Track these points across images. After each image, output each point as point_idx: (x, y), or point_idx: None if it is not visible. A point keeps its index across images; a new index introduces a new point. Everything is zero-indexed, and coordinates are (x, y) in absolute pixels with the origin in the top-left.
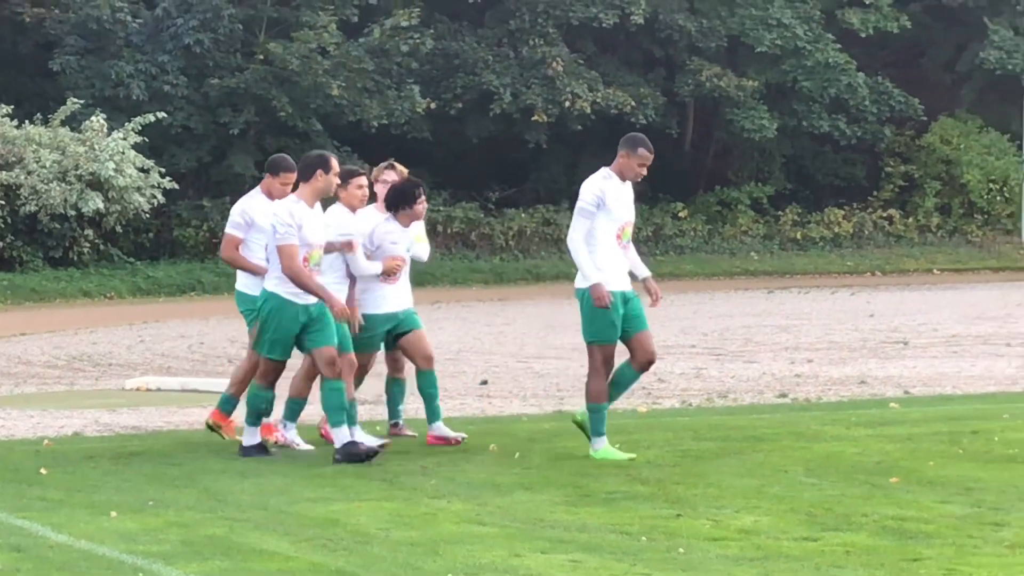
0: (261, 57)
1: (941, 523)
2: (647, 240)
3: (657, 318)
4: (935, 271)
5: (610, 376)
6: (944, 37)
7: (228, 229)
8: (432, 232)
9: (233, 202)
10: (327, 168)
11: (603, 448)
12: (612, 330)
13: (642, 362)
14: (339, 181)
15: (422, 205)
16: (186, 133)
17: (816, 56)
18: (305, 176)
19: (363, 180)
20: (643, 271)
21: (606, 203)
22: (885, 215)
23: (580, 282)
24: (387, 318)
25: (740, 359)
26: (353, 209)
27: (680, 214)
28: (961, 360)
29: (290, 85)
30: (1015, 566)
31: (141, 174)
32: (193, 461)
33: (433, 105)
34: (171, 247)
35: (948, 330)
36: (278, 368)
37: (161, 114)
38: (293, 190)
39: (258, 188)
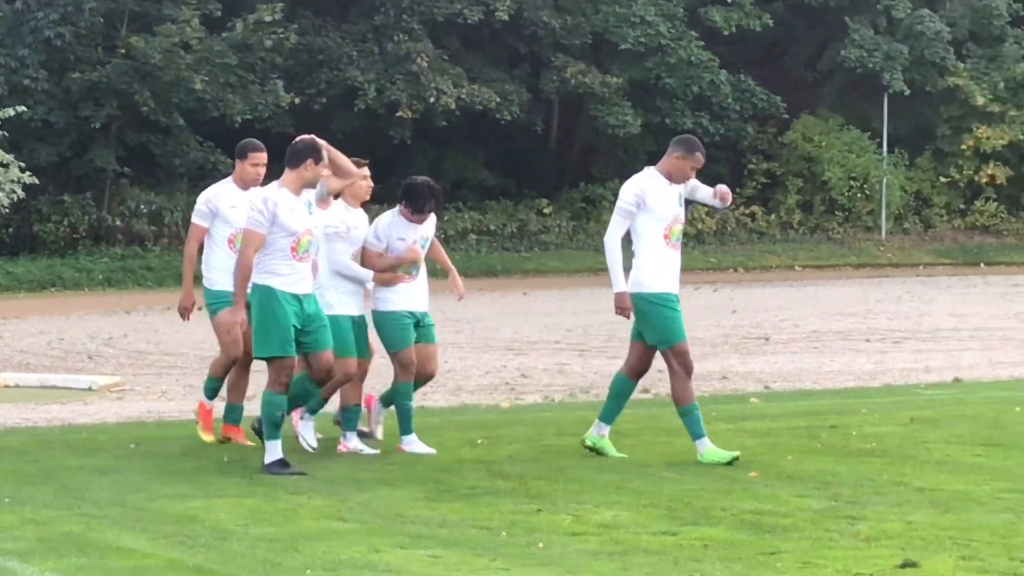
0: (123, 51)
1: (798, 517)
2: (511, 236)
3: (521, 314)
4: (797, 268)
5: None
6: (806, 36)
7: (193, 219)
8: None
9: (95, 198)
10: (318, 158)
11: (708, 449)
12: (678, 327)
13: (639, 371)
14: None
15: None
16: (47, 127)
17: (679, 53)
18: (293, 163)
19: (366, 171)
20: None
21: (647, 203)
22: (748, 212)
23: (635, 286)
24: (409, 315)
25: (603, 355)
26: (357, 202)
27: (545, 210)
28: (821, 355)
29: (152, 79)
30: (870, 559)
31: (0, 169)
32: (50, 458)
33: (297, 100)
34: (31, 242)
35: (809, 326)
36: (288, 367)
37: (21, 108)
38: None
39: (230, 177)
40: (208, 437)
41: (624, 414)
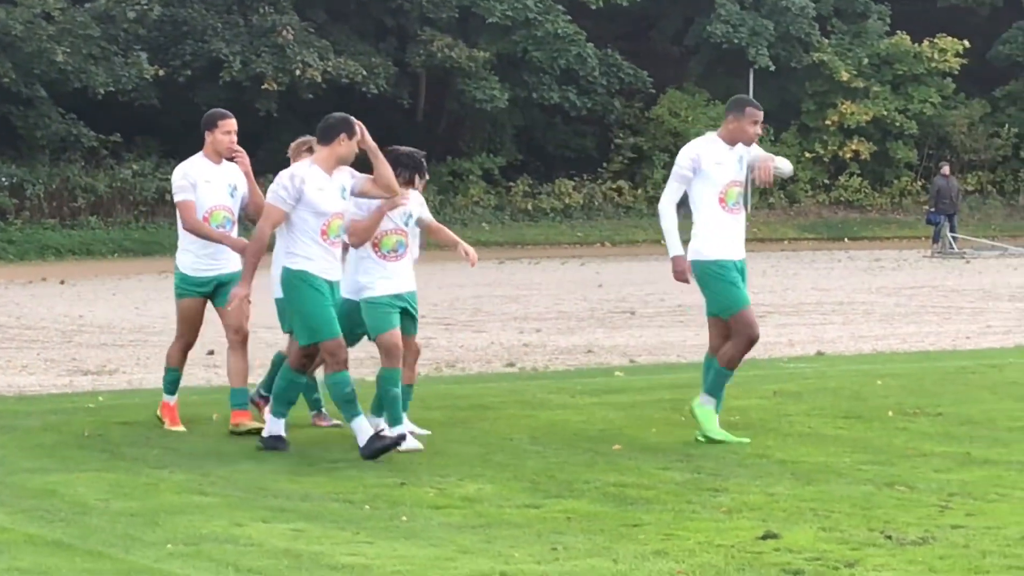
0: None
1: (661, 489)
2: None
3: None
4: (662, 242)
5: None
6: (673, 10)
7: (178, 197)
8: (160, 202)
9: None
10: (351, 133)
11: (708, 409)
12: (737, 292)
13: (744, 341)
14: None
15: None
16: None
17: (546, 27)
18: (325, 139)
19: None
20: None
21: (702, 167)
22: (615, 186)
23: (692, 254)
24: (395, 298)
25: (469, 329)
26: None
27: None
28: (686, 329)
29: (13, 51)
30: (731, 531)
31: None
32: None
33: (161, 72)
34: None
35: (674, 300)
36: (340, 346)
37: None
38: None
39: (200, 152)
40: (179, 427)
41: (488, 387)
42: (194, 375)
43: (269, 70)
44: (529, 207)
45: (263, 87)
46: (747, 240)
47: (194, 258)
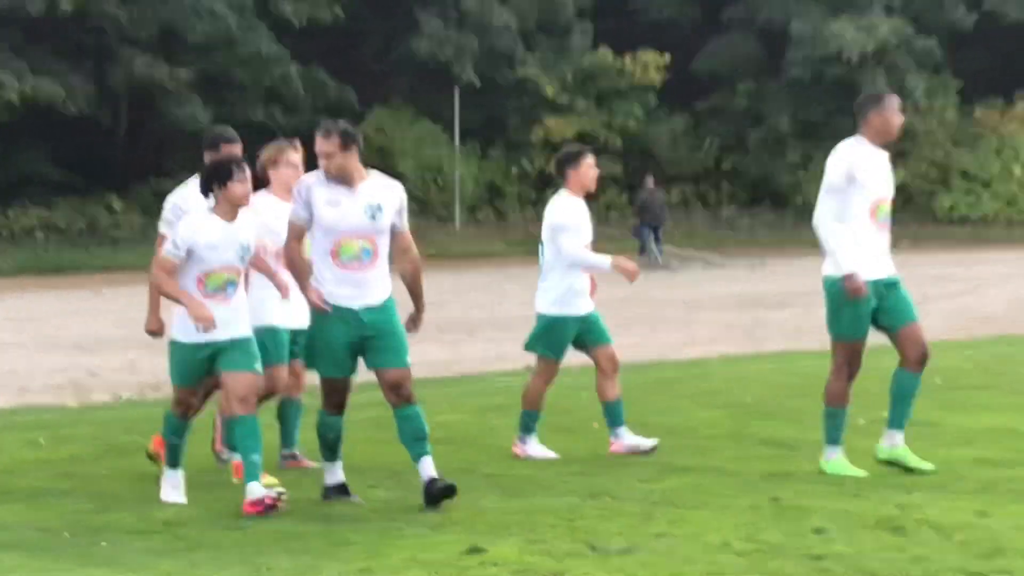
0: None
1: (368, 507)
2: (80, 233)
3: (90, 311)
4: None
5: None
6: (377, 27)
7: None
8: None
9: None
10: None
11: (836, 459)
12: (861, 324)
13: (914, 359)
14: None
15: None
16: None
17: (249, 46)
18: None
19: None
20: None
21: (857, 177)
22: None
23: (829, 268)
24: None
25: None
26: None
27: (115, 206)
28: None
29: None
30: (436, 546)
31: None
32: None
33: None
34: None
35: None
36: (335, 387)
37: None
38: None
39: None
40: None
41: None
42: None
43: None
44: None
45: None
46: (456, 256)
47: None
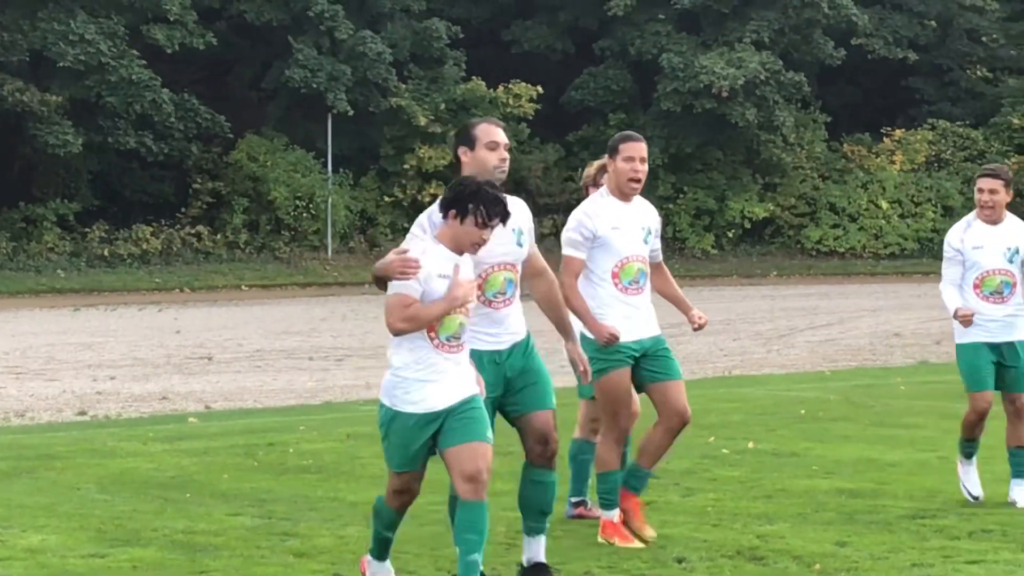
0: None
1: (231, 535)
2: None
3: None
4: (244, 287)
5: None
6: (250, 55)
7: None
8: None
9: None
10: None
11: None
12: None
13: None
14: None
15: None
16: None
17: (120, 72)
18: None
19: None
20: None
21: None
22: (194, 232)
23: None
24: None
25: (41, 377)
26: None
27: None
28: (264, 374)
29: None
30: (300, 574)
31: None
32: None
33: None
34: None
35: (253, 345)
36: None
37: None
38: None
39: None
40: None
41: (57, 436)
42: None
43: None
44: (106, 253)
45: None
46: (328, 284)
47: None
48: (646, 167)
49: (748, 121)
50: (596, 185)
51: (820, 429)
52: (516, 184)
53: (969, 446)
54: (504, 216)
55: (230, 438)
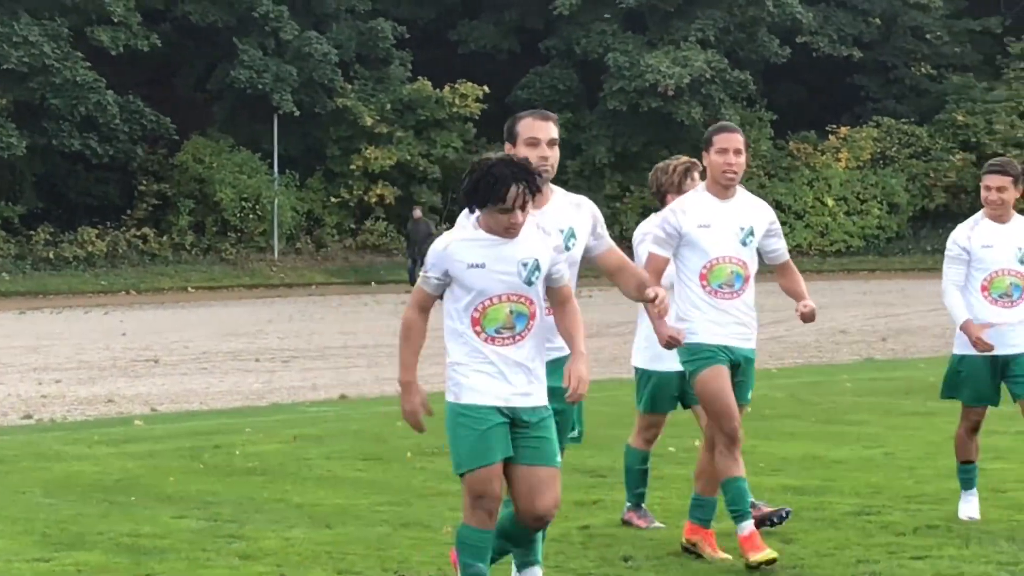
0: None
1: (176, 538)
2: None
3: None
4: (190, 289)
5: None
6: (195, 55)
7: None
8: None
9: None
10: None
11: None
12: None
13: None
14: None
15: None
16: None
17: (65, 74)
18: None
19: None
20: None
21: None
22: (139, 234)
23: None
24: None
25: None
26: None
27: None
28: (210, 376)
29: None
30: None
31: None
32: None
33: None
34: None
35: (199, 347)
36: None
37: None
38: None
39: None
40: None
41: (2, 440)
42: None
43: None
44: (51, 256)
45: None
46: (274, 285)
47: None
48: (743, 159)
49: (694, 119)
50: (680, 191)
51: (767, 426)
52: (462, 184)
53: (967, 471)
54: (524, 194)
55: (176, 440)
